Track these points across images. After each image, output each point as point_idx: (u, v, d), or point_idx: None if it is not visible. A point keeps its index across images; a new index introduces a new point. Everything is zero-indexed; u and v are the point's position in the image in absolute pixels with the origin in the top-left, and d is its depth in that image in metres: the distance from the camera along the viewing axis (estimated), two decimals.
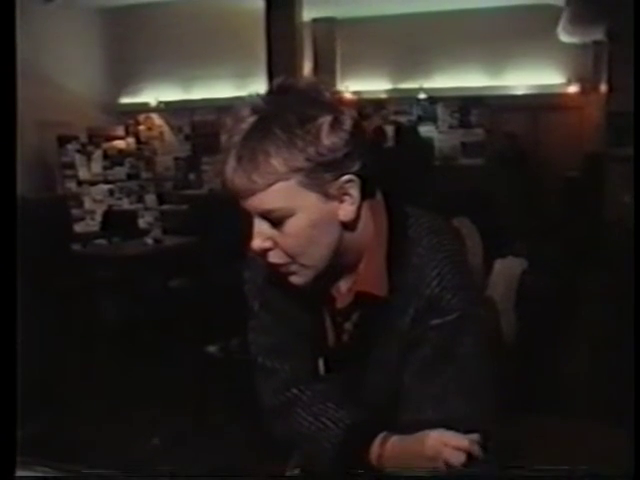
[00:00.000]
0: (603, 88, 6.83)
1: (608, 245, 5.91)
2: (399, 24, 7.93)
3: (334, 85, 8.48)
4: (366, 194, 0.99)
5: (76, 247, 5.17)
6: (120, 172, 8.34)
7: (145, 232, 6.44)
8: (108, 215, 7.16)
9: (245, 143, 0.92)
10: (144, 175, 8.55)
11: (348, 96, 8.13)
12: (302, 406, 1.10)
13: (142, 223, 7.56)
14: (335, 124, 0.92)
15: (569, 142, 7.42)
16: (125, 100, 9.27)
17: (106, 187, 8.18)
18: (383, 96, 8.58)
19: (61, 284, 4.32)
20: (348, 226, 0.99)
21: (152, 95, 9.04)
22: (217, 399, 3.53)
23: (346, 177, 0.95)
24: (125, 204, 8.21)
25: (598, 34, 6.78)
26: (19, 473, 1.07)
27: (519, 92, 7.91)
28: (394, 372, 1.04)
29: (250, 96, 0.97)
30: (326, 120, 0.92)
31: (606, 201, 6.34)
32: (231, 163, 0.93)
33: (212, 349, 3.55)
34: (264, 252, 0.97)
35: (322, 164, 0.92)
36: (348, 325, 1.07)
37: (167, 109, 9.04)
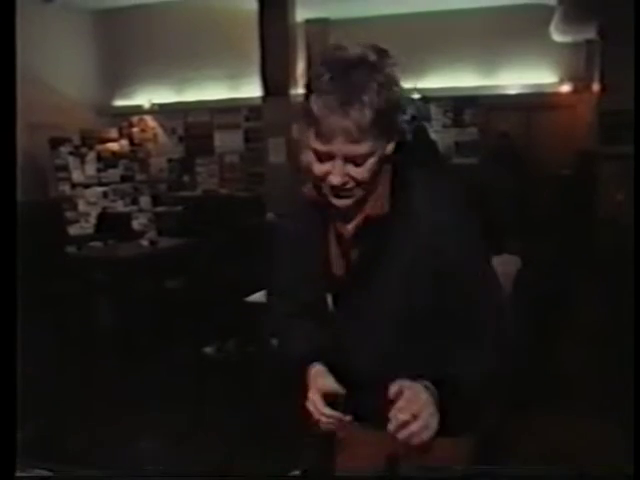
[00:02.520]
0: (596, 87, 6.84)
1: (601, 243, 5.94)
2: (392, 24, 7.92)
3: None
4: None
5: (71, 250, 5.15)
6: (114, 174, 8.32)
7: (139, 234, 6.42)
8: (102, 217, 7.15)
9: (345, 88, 1.07)
10: (138, 177, 8.53)
11: None
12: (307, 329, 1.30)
13: (136, 225, 7.55)
14: (397, 79, 1.13)
15: (562, 141, 7.44)
16: (118, 102, 9.25)
17: (100, 189, 8.16)
18: None
19: (56, 287, 4.30)
20: (386, 160, 1.20)
21: (145, 97, 9.01)
22: (213, 399, 3.53)
23: (397, 121, 1.17)
24: (119, 206, 8.19)
25: (590, 33, 6.81)
26: (19, 474, 1.07)
27: (512, 91, 7.92)
28: (395, 303, 1.21)
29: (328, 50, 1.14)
30: (393, 76, 1.12)
31: (599, 199, 6.36)
32: (332, 106, 1.07)
33: (208, 350, 3.56)
34: (342, 185, 1.14)
35: (394, 113, 1.13)
36: (354, 253, 1.25)
37: (161, 111, 9.02)
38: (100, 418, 3.37)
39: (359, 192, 1.17)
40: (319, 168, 1.14)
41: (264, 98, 7.35)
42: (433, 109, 8.45)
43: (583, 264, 5.81)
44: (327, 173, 1.13)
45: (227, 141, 8.95)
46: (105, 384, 3.75)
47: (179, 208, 7.95)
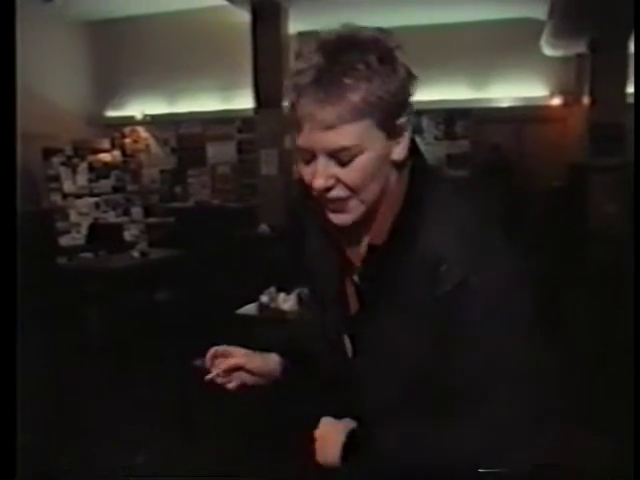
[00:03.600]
0: (586, 100, 6.91)
1: (592, 255, 5.97)
2: None
3: None
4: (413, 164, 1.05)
5: (62, 260, 5.13)
6: (106, 185, 8.30)
7: (131, 245, 6.40)
8: (94, 228, 7.13)
9: (324, 76, 0.93)
10: (130, 188, 8.52)
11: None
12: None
13: (128, 236, 7.53)
14: (399, 69, 0.96)
15: (553, 153, 7.50)
16: (111, 113, 9.25)
17: (92, 200, 8.14)
18: None
19: (47, 298, 4.27)
20: (397, 166, 1.03)
21: (138, 108, 9.02)
22: (203, 411, 3.50)
23: (405, 117, 0.98)
24: (111, 217, 8.17)
25: (580, 47, 6.89)
26: None
27: (503, 104, 7.98)
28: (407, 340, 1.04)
29: (323, 33, 0.98)
30: (393, 64, 0.96)
31: (590, 211, 6.40)
32: (313, 96, 0.93)
33: (198, 362, 3.53)
34: (326, 191, 0.99)
35: (393, 103, 0.95)
36: (365, 287, 1.09)
37: (153, 122, 9.03)
38: (90, 429, 3.34)
39: (356, 205, 1.00)
40: (305, 172, 1.00)
41: (256, 110, 7.38)
42: (425, 121, 8.50)
43: (574, 275, 5.83)
44: (313, 177, 0.99)
45: (219, 152, 8.96)
46: (95, 395, 3.71)
47: (171, 219, 7.93)
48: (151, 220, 8.30)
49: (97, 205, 8.19)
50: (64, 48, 8.44)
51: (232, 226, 6.46)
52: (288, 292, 3.37)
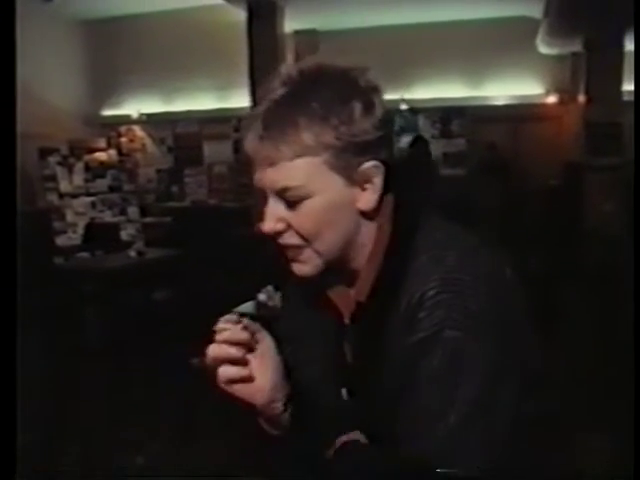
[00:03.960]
0: (581, 98, 6.93)
1: (589, 253, 5.99)
2: (380, 36, 7.99)
3: None
4: (387, 187, 0.94)
5: (58, 260, 5.11)
6: (102, 184, 8.28)
7: (127, 244, 6.39)
8: (90, 228, 7.11)
9: (274, 112, 0.87)
10: (126, 187, 8.49)
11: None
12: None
13: (124, 236, 7.50)
14: (369, 109, 0.88)
15: (549, 152, 7.52)
16: (106, 112, 9.23)
17: (88, 200, 8.12)
18: None
19: (44, 297, 4.26)
20: (366, 216, 0.94)
21: (134, 107, 9.00)
22: (202, 410, 3.51)
23: (372, 163, 0.90)
24: (107, 217, 8.15)
25: (576, 45, 6.91)
26: None
27: (499, 102, 8.00)
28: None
29: (284, 68, 0.91)
30: (360, 103, 0.88)
31: (586, 210, 6.42)
32: (257, 130, 0.88)
33: (196, 361, 3.54)
34: (276, 235, 0.92)
35: (351, 145, 0.88)
36: (356, 339, 1.01)
37: (149, 121, 9.02)
38: (89, 429, 3.34)
39: (311, 255, 0.92)
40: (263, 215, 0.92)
41: (253, 109, 7.38)
42: (421, 120, 8.51)
43: (571, 273, 5.85)
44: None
45: (216, 152, 8.95)
46: (93, 395, 3.71)
47: (167, 219, 7.92)
48: (148, 220, 8.29)
49: (93, 205, 8.17)
50: (60, 47, 8.42)
51: (229, 225, 6.46)
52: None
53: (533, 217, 6.94)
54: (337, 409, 1.04)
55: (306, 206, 0.89)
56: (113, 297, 4.57)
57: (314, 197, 0.88)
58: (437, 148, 8.39)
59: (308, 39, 8.44)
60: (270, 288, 3.42)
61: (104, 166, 8.35)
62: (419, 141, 5.86)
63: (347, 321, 1.00)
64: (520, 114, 7.73)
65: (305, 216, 0.89)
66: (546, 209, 7.01)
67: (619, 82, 6.39)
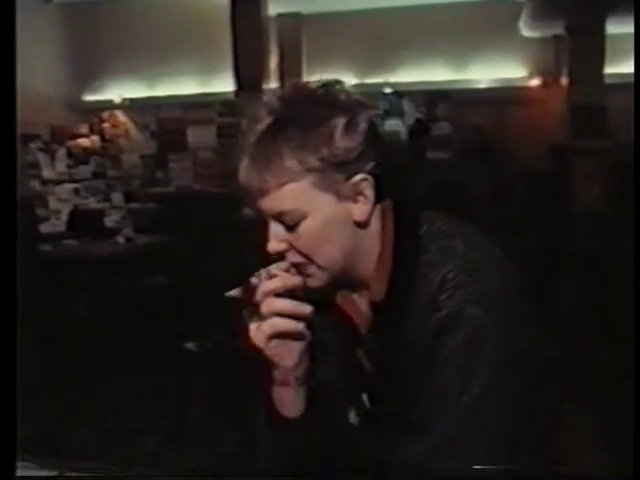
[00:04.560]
0: (564, 81, 6.99)
1: (577, 236, 6.07)
2: (364, 19, 7.97)
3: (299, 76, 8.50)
4: (381, 194, 0.99)
5: (45, 247, 5.07)
6: (85, 171, 8.20)
7: (113, 231, 6.35)
8: (74, 214, 7.05)
9: (259, 144, 0.93)
10: (110, 173, 8.43)
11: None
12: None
13: (109, 222, 7.45)
14: (349, 126, 0.93)
15: (533, 134, 7.56)
16: (88, 97, 9.10)
17: (71, 186, 8.03)
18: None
19: (31, 285, 4.23)
20: (362, 226, 0.99)
21: (116, 92, 8.90)
22: (197, 395, 3.53)
23: (359, 176, 0.95)
24: (91, 203, 8.07)
25: (558, 29, 6.94)
26: (19, 473, 1.08)
27: (483, 85, 8.03)
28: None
29: (267, 97, 0.98)
30: (340, 122, 0.93)
31: (572, 192, 6.50)
32: (245, 163, 0.94)
33: (190, 346, 3.56)
34: (280, 254, 0.98)
35: (335, 164, 0.93)
36: (375, 345, 1.04)
37: (132, 106, 8.92)
38: (82, 418, 3.34)
39: (316, 271, 0.97)
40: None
41: (237, 93, 7.34)
42: (405, 104, 8.51)
43: (558, 256, 5.92)
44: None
45: (200, 136, 8.88)
46: (86, 383, 3.71)
47: (153, 205, 7.87)
48: (133, 206, 8.22)
49: (77, 191, 8.09)
50: (40, 31, 8.27)
51: (216, 210, 6.44)
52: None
53: (519, 199, 7.01)
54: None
55: (304, 227, 0.94)
56: (102, 284, 4.56)
57: (309, 217, 0.94)
58: (422, 131, 8.43)
59: (291, 22, 8.39)
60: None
61: (87, 152, 8.27)
62: (418, 124, 5.88)
63: (361, 327, 1.05)
64: (504, 97, 7.76)
65: (304, 236, 0.95)
66: (531, 191, 7.07)
67: (601, 65, 6.44)
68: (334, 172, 0.93)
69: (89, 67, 8.80)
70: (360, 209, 0.97)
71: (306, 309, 0.98)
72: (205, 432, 3.23)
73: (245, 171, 0.94)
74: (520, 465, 0.99)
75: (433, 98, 8.37)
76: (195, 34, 8.03)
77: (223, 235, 5.37)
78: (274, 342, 0.97)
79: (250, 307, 1.00)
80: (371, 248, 1.01)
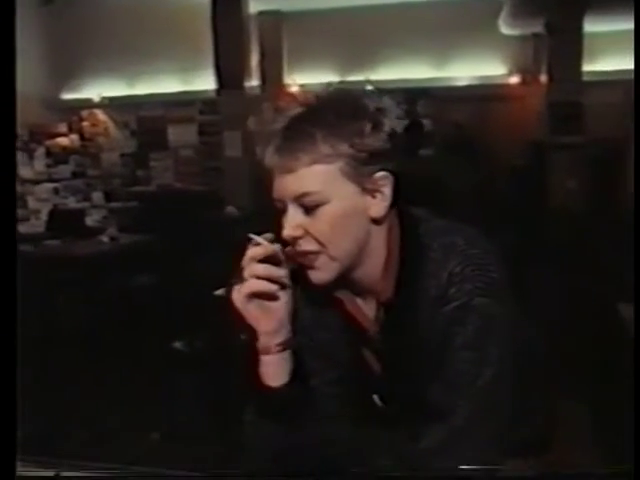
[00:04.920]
0: (543, 79, 7.08)
1: (554, 231, 6.15)
2: (345, 17, 7.99)
3: (281, 79, 8.49)
4: (396, 195, 1.03)
5: (26, 248, 5.00)
6: (64, 170, 8.12)
7: (94, 231, 6.30)
8: (54, 214, 6.98)
9: (292, 127, 0.96)
10: (90, 172, 8.36)
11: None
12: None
13: (90, 221, 7.39)
14: (376, 128, 0.99)
15: (513, 130, 7.65)
16: (67, 96, 8.99)
17: (50, 186, 7.95)
18: None
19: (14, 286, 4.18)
20: (377, 223, 1.02)
21: (95, 90, 8.80)
22: (184, 393, 3.53)
23: (382, 173, 1.00)
24: (71, 202, 7.99)
25: (537, 27, 7.02)
26: (20, 472, 1.08)
27: (464, 83, 8.10)
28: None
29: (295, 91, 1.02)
30: (369, 124, 0.98)
31: (551, 188, 6.59)
32: (275, 143, 0.97)
33: (178, 345, 3.56)
34: (294, 241, 0.99)
35: (364, 155, 0.97)
36: (385, 346, 1.08)
37: (111, 104, 8.84)
38: (69, 418, 3.32)
39: (327, 261, 0.98)
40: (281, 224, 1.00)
41: (218, 91, 7.32)
42: (386, 101, 8.54)
43: (536, 251, 6.00)
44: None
45: (181, 135, 8.85)
46: (69, 384, 3.68)
47: (134, 203, 7.82)
48: (113, 205, 8.16)
49: (56, 191, 8.00)
50: (19, 29, 8.14)
51: (199, 209, 6.42)
52: None
53: (499, 194, 7.08)
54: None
55: (323, 212, 0.97)
56: (89, 284, 4.52)
57: (330, 203, 0.96)
58: (403, 128, 8.48)
59: (272, 20, 8.38)
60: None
61: (66, 151, 8.19)
62: (414, 126, 5.89)
63: (369, 329, 1.08)
64: (484, 94, 7.84)
65: (322, 221, 0.97)
66: (511, 186, 7.16)
67: (579, 63, 6.54)
68: (361, 163, 0.97)
69: (68, 65, 8.70)
70: (378, 205, 1.01)
71: (280, 272, 1.00)
72: (194, 431, 3.24)
73: (275, 151, 0.96)
74: (521, 466, 1.03)
75: (414, 95, 8.42)
76: (176, 32, 7.98)
77: (206, 233, 5.37)
78: (252, 304, 1.01)
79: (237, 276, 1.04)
80: (379, 248, 1.04)
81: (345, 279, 1.04)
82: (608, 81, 6.97)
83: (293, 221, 0.98)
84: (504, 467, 0.98)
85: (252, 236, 1.01)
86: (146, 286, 4.56)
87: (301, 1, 8.03)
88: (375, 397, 1.14)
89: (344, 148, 0.95)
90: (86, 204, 8.06)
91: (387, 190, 1.01)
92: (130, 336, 4.06)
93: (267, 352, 1.03)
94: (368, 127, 0.97)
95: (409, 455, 1.00)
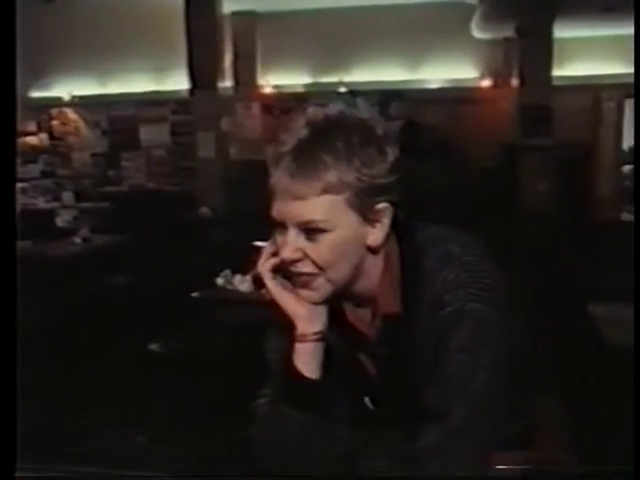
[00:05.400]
0: (514, 82, 7.20)
1: (525, 233, 6.26)
2: (319, 19, 8.01)
3: (254, 80, 8.48)
4: (394, 224, 1.05)
5: None
6: (34, 169, 7.99)
7: (64, 231, 6.21)
8: (22, 215, 6.85)
9: (303, 150, 0.96)
10: (60, 172, 8.23)
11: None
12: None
13: (60, 222, 7.28)
14: (382, 155, 0.99)
15: (484, 133, 7.75)
16: (36, 94, 8.82)
17: (19, 185, 7.80)
18: (304, 90, 8.64)
19: None
20: (373, 251, 1.04)
21: (65, 88, 8.66)
22: (159, 395, 3.50)
23: (384, 205, 1.01)
24: (40, 203, 7.87)
25: (508, 31, 7.13)
26: (19, 473, 1.07)
27: (436, 85, 8.19)
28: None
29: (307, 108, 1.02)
30: (375, 151, 0.99)
31: (521, 190, 6.70)
32: (288, 166, 0.96)
33: (154, 347, 3.53)
34: (291, 263, 1.00)
35: (370, 187, 0.98)
36: (382, 351, 1.10)
37: (82, 103, 8.71)
38: (42, 420, 3.27)
39: (323, 283, 1.01)
40: (278, 242, 1.02)
41: (191, 91, 7.27)
42: (360, 103, 8.58)
43: (507, 252, 6.09)
44: (282, 248, 1.00)
45: (154, 135, 8.76)
46: (45, 387, 3.63)
47: (105, 204, 7.73)
48: (84, 205, 8.05)
49: (25, 190, 7.87)
50: None
51: (172, 210, 6.38)
52: (244, 274, 3.41)
53: (470, 196, 7.18)
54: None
55: (326, 239, 0.98)
56: (61, 285, 4.45)
57: (334, 231, 0.98)
58: None
59: (246, 20, 8.35)
60: (227, 272, 3.52)
61: (35, 150, 8.05)
62: (410, 127, 5.91)
63: (368, 336, 1.10)
64: (456, 97, 7.93)
65: (324, 248, 0.98)
66: (483, 188, 7.26)
67: (549, 67, 6.67)
68: (366, 194, 0.98)
69: (37, 63, 8.54)
70: (375, 235, 1.02)
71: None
72: (170, 433, 3.22)
73: (287, 175, 0.96)
74: (522, 466, 1.06)
75: (387, 97, 8.48)
76: (148, 30, 7.90)
77: (179, 234, 5.34)
78: (286, 291, 1.03)
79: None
80: (376, 265, 1.06)
81: (343, 293, 1.06)
82: (577, 86, 7.13)
83: (294, 244, 0.99)
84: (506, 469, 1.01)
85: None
86: (120, 287, 4.51)
87: (275, 2, 8.02)
88: (367, 399, 1.15)
89: (351, 178, 0.96)
90: (56, 204, 7.95)
91: (386, 221, 1.03)
92: (104, 338, 4.01)
93: (303, 340, 1.04)
94: (375, 155, 0.98)
95: (407, 455, 1.02)
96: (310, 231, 0.98)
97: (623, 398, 2.58)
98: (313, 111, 1.01)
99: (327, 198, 0.96)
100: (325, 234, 0.98)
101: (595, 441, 2.43)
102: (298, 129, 0.99)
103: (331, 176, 0.96)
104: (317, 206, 0.96)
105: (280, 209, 0.99)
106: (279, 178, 0.97)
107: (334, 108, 1.02)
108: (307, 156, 0.96)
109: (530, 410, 1.32)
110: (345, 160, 0.96)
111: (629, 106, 6.92)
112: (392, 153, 1.00)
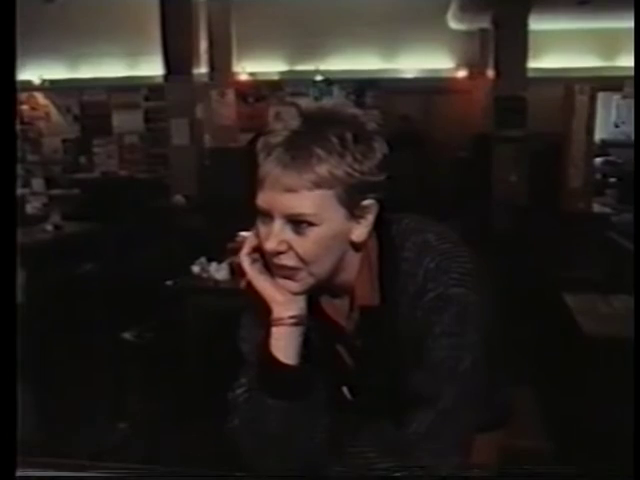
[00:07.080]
0: (489, 73, 7.24)
1: (497, 223, 6.34)
2: (295, 6, 7.95)
3: (229, 67, 8.40)
4: (377, 220, 1.04)
5: None
6: None
7: (34, 218, 6.10)
8: None
9: (296, 142, 0.95)
10: (30, 158, 8.07)
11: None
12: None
13: (30, 209, 7.15)
14: (370, 152, 0.98)
15: (460, 124, 7.81)
16: None
17: None
18: (279, 77, 8.60)
19: None
20: (355, 247, 1.04)
21: (35, 72, 8.48)
22: (133, 384, 3.48)
23: (370, 201, 1.00)
24: None
25: (484, 22, 7.17)
26: (19, 473, 1.05)
27: (412, 75, 8.20)
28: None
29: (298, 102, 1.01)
30: (364, 147, 0.97)
31: (495, 180, 6.77)
32: (280, 157, 0.95)
33: (127, 336, 3.50)
34: (275, 254, 0.99)
35: (359, 183, 0.97)
36: (359, 343, 1.11)
37: (52, 88, 8.54)
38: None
39: (305, 276, 1.01)
40: (261, 232, 1.01)
41: (165, 77, 7.18)
42: (335, 91, 8.58)
43: (480, 242, 6.15)
44: (266, 239, 0.99)
45: (126, 121, 8.64)
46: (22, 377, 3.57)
47: (76, 191, 7.61)
48: (55, 192, 7.91)
49: None
50: None
51: (145, 197, 6.31)
52: (219, 262, 3.38)
53: (445, 187, 7.23)
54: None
55: (313, 232, 0.97)
56: (32, 273, 4.37)
57: (321, 225, 0.97)
58: None
59: (221, 6, 8.24)
60: (203, 260, 3.48)
61: None
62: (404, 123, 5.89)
63: (345, 327, 1.11)
64: (432, 87, 7.96)
65: (310, 241, 0.98)
66: (457, 179, 7.32)
67: (524, 59, 6.73)
68: (355, 190, 0.97)
69: None
70: (360, 231, 1.02)
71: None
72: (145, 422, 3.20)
73: (280, 166, 0.95)
74: (521, 466, 1.08)
75: (363, 86, 8.48)
76: (122, 14, 7.77)
77: (152, 221, 5.28)
78: (263, 276, 1.03)
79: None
80: (353, 259, 1.06)
81: (322, 285, 1.06)
82: (551, 78, 7.20)
83: (280, 236, 0.98)
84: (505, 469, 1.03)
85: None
86: (92, 275, 4.45)
87: None
88: (345, 389, 1.16)
89: (342, 174, 0.96)
90: (25, 191, 7.79)
91: (371, 217, 1.02)
92: (76, 327, 3.96)
93: (279, 323, 1.03)
94: (365, 151, 0.97)
95: (398, 442, 1.03)
96: (298, 224, 0.97)
97: (594, 384, 2.63)
98: (306, 103, 1.01)
99: (319, 192, 0.95)
100: (312, 228, 0.97)
101: (566, 427, 2.48)
102: (291, 120, 0.97)
103: (323, 170, 0.94)
104: (308, 200, 0.95)
105: (268, 199, 0.97)
106: (270, 168, 0.95)
107: (327, 103, 1.05)
108: (300, 148, 0.94)
109: (505, 394, 1.35)
110: (338, 155, 0.95)
111: (601, 99, 7.00)
112: (380, 150, 0.99)
